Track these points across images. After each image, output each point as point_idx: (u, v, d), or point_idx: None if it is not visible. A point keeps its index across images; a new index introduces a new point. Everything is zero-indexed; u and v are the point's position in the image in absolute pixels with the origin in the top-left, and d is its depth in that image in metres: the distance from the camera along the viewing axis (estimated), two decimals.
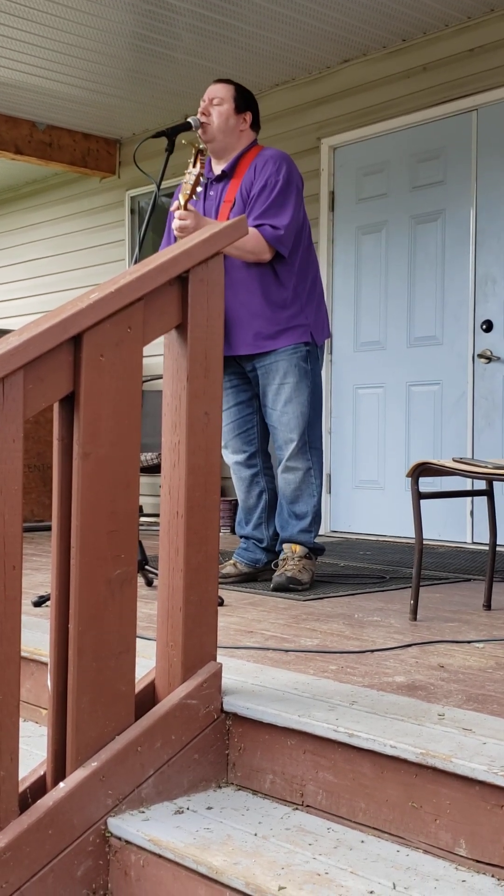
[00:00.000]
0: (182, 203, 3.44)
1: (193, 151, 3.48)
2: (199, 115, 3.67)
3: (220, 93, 3.69)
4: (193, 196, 3.46)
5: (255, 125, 3.77)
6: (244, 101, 3.71)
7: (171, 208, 3.55)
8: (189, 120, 3.64)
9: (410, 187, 5.47)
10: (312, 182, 5.62)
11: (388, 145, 5.57)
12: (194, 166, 3.46)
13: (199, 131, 3.67)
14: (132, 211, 7.14)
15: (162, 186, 3.56)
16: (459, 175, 5.23)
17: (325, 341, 3.90)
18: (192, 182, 3.44)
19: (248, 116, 3.72)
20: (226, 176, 3.70)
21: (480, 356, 5.11)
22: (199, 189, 3.46)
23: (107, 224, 7.28)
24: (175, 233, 3.46)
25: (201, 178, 3.46)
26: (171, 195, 6.53)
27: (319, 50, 5.51)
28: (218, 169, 3.73)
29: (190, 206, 3.45)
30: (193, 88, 5.95)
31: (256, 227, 3.52)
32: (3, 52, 5.53)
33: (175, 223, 3.46)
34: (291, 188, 3.60)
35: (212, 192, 3.71)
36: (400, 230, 5.52)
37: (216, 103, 3.68)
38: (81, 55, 5.58)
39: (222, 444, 3.90)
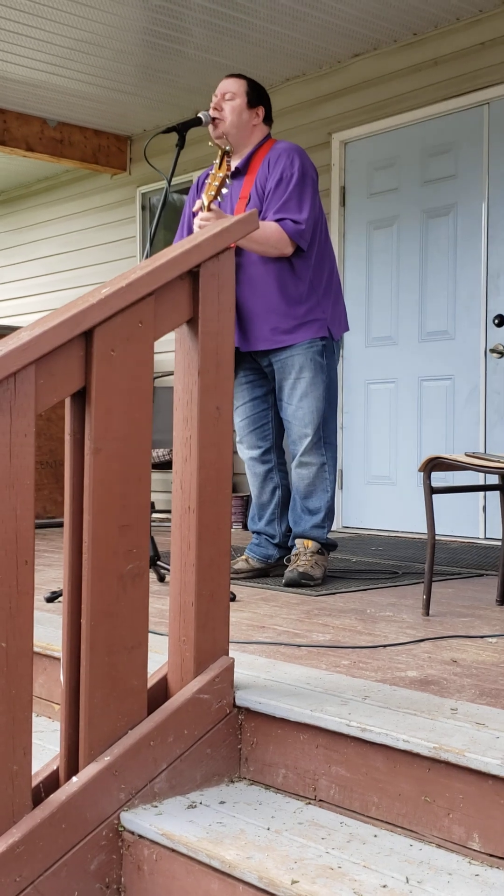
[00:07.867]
0: (206, 204, 3.42)
1: (220, 153, 3.47)
2: (211, 111, 3.66)
3: (232, 87, 3.68)
4: (218, 198, 3.44)
5: (268, 119, 3.76)
6: (256, 96, 3.71)
7: (193, 208, 3.53)
8: (199, 115, 3.63)
9: (422, 182, 5.46)
10: (323, 177, 5.61)
11: (399, 140, 5.55)
12: (220, 168, 3.45)
13: (210, 127, 3.67)
14: (143, 207, 7.15)
15: (173, 182, 3.56)
16: (471, 169, 5.22)
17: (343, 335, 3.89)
18: (217, 184, 3.43)
19: (261, 111, 3.71)
20: (240, 172, 3.69)
21: (493, 351, 5.10)
22: (224, 191, 3.45)
23: (118, 221, 7.29)
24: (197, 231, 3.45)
25: (227, 179, 3.45)
26: (181, 191, 6.56)
27: (330, 44, 5.50)
28: (232, 165, 3.73)
29: (213, 207, 3.44)
30: (205, 84, 5.95)
31: (277, 221, 3.52)
32: (13, 49, 5.54)
33: (197, 222, 3.45)
34: (307, 180, 3.59)
35: (226, 190, 3.70)
36: (411, 225, 5.51)
37: (228, 98, 3.67)
38: (92, 51, 5.58)
39: (237, 439, 3.90)
